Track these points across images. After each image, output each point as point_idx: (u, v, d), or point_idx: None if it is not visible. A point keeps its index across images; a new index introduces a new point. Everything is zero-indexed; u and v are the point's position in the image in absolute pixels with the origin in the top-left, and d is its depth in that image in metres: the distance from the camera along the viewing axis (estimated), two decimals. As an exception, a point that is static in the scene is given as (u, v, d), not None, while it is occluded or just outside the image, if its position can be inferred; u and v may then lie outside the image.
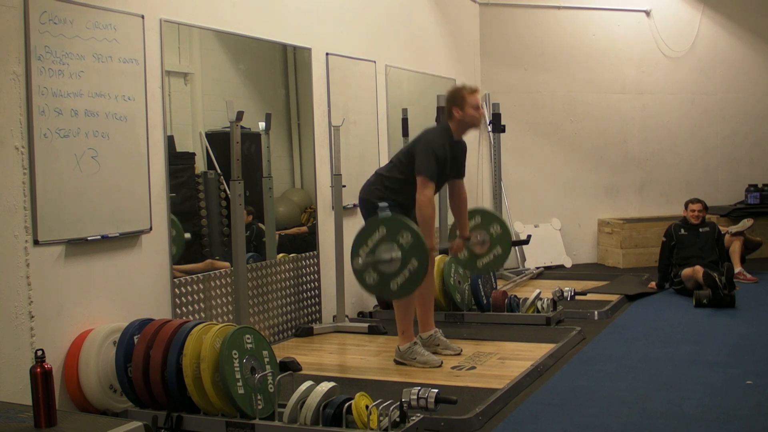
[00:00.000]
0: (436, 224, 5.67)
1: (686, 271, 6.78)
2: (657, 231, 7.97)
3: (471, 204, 5.19)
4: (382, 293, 4.44)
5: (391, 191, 4.69)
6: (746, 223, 7.65)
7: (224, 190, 5.21)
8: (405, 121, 6.90)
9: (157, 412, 3.55)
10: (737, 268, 7.31)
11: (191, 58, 5.28)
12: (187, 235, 4.90)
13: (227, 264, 4.99)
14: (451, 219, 5.31)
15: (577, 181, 9.11)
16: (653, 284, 7.24)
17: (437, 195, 4.85)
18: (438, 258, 5.40)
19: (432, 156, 4.57)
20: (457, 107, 4.72)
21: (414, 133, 7.05)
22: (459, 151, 4.86)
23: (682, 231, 7.13)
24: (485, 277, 5.96)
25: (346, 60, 6.20)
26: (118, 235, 4.14)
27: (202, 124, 5.41)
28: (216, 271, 4.86)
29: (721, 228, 7.55)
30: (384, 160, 6.62)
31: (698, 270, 6.59)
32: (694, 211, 7.18)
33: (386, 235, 4.27)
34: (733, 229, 7.60)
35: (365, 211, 4.80)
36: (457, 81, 8.16)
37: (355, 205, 5.55)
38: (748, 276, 7.41)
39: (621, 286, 7.28)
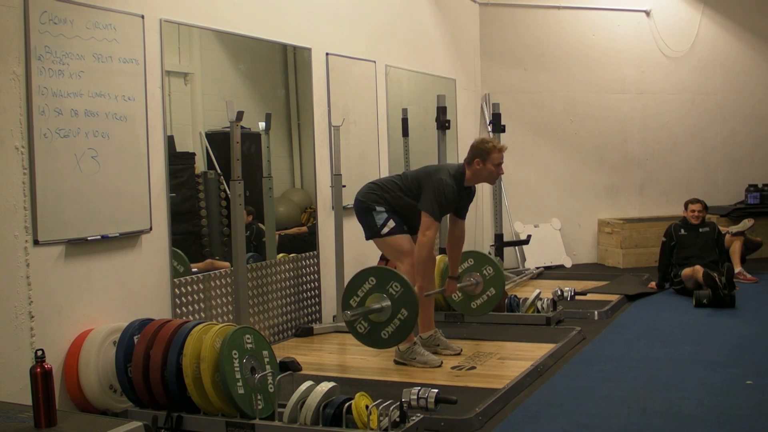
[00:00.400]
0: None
1: (686, 271, 6.78)
2: (657, 231, 7.97)
3: (471, 210, 5.19)
4: (373, 344, 4.50)
5: (389, 202, 4.73)
6: (747, 223, 7.65)
7: (224, 190, 5.21)
8: (405, 121, 6.90)
9: (157, 412, 3.55)
10: (737, 268, 7.31)
11: (191, 58, 5.28)
12: (195, 269, 4.91)
13: (227, 264, 4.99)
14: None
15: (577, 181, 9.12)
16: (653, 284, 7.24)
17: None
18: (438, 258, 5.40)
19: (441, 198, 4.62)
20: (479, 159, 4.72)
21: (414, 133, 7.08)
22: (466, 195, 4.89)
23: (682, 231, 7.13)
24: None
25: (346, 60, 6.20)
26: (118, 235, 4.14)
27: (202, 124, 5.41)
28: (216, 271, 4.86)
29: (721, 228, 7.55)
30: (384, 160, 6.63)
31: (698, 270, 6.59)
32: (694, 211, 7.18)
33: (376, 285, 4.35)
34: (734, 229, 7.60)
35: (359, 213, 4.81)
36: (456, 81, 8.17)
37: (355, 206, 5.56)
38: (748, 276, 7.41)
39: (621, 286, 7.28)
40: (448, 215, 4.98)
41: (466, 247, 5.17)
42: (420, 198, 4.67)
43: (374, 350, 5.10)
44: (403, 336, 4.41)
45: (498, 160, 4.73)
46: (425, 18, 7.71)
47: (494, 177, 4.81)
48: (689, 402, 3.98)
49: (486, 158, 4.71)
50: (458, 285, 5.20)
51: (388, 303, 4.33)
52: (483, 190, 8.53)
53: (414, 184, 4.74)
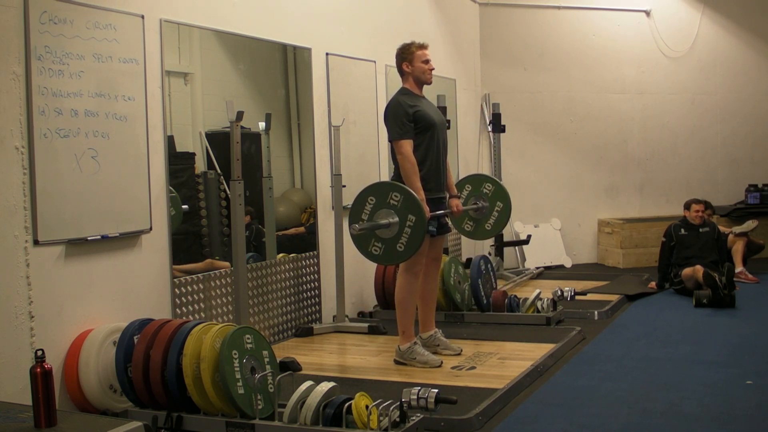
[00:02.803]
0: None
1: (686, 271, 6.78)
2: (657, 231, 7.97)
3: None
4: (392, 260, 4.44)
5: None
6: (751, 224, 7.65)
7: (224, 190, 5.21)
8: (405, 121, 6.89)
9: (157, 412, 3.55)
10: (739, 268, 7.31)
11: (191, 58, 5.28)
12: (185, 207, 4.87)
13: (227, 264, 4.99)
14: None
15: (577, 181, 9.12)
16: (653, 284, 7.24)
17: (439, 146, 4.75)
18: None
19: (398, 118, 4.56)
20: (406, 62, 4.73)
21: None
22: (430, 104, 4.83)
23: (682, 231, 7.12)
24: (485, 277, 5.96)
25: (346, 60, 6.20)
26: (118, 235, 4.14)
27: (202, 124, 5.41)
28: (216, 271, 4.86)
29: (724, 228, 7.56)
30: (384, 160, 6.62)
31: (698, 269, 6.59)
32: (698, 211, 7.18)
33: (377, 202, 4.33)
34: (738, 229, 7.60)
35: None
36: (456, 81, 8.18)
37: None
38: (750, 276, 7.41)
39: (621, 286, 7.28)
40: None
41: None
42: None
43: (374, 350, 5.11)
44: (417, 242, 4.31)
45: (423, 57, 4.71)
46: (425, 18, 7.71)
47: (426, 73, 4.73)
48: (689, 402, 3.98)
49: (411, 58, 4.71)
50: (464, 207, 5.08)
51: (395, 216, 4.29)
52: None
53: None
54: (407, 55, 4.74)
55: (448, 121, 6.54)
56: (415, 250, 4.37)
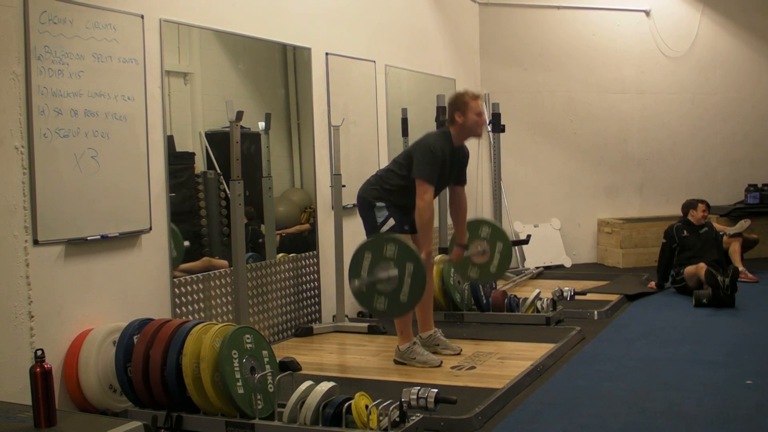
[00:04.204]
0: (436, 224, 5.65)
1: (689, 269, 6.77)
2: (657, 231, 7.96)
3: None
4: (397, 312, 4.41)
5: (390, 193, 4.70)
6: (743, 224, 7.65)
7: (224, 190, 5.21)
8: (405, 121, 6.90)
9: (156, 412, 3.55)
10: (740, 268, 7.31)
11: (191, 58, 5.28)
12: (186, 243, 4.89)
13: (225, 262, 5.00)
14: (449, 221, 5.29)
15: (577, 181, 9.12)
16: (653, 284, 7.23)
17: (437, 199, 4.83)
18: (437, 258, 5.40)
19: (431, 160, 4.55)
20: (459, 112, 4.67)
21: (414, 133, 7.07)
22: (461, 157, 4.84)
23: (685, 233, 7.10)
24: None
25: (346, 60, 6.20)
26: (118, 235, 4.14)
27: (201, 124, 5.41)
28: (216, 271, 4.86)
29: (718, 226, 7.55)
30: (384, 160, 6.62)
31: (702, 267, 6.57)
32: (704, 211, 7.18)
33: (374, 258, 4.27)
34: (731, 230, 7.60)
35: (362, 210, 4.80)
36: (456, 81, 8.17)
37: (354, 205, 5.55)
38: (749, 275, 7.41)
39: (621, 286, 7.27)
40: (448, 186, 4.91)
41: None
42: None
43: (374, 350, 5.11)
44: (420, 289, 4.26)
45: (477, 108, 4.67)
46: (425, 18, 7.71)
47: (479, 127, 4.72)
48: (689, 402, 3.98)
49: (465, 109, 4.66)
50: (467, 253, 5.09)
51: (394, 269, 4.24)
52: (483, 190, 8.54)
53: (407, 160, 4.68)
54: (461, 106, 4.67)
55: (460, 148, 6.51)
56: (418, 300, 4.34)
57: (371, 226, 4.74)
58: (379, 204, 4.70)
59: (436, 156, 4.57)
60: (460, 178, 4.90)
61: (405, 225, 4.70)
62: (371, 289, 4.28)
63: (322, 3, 6.00)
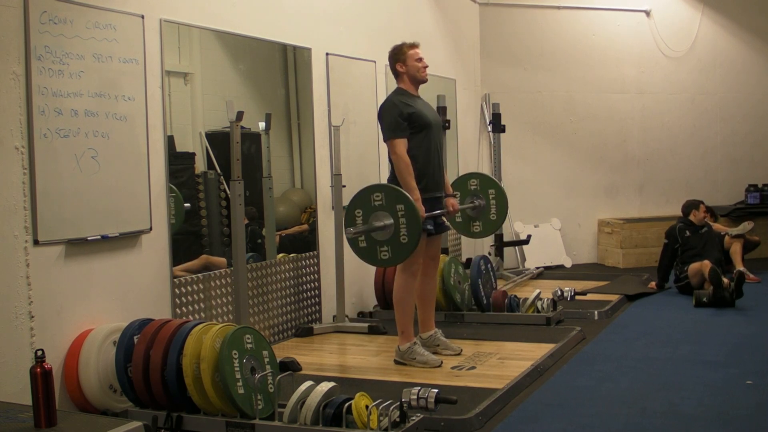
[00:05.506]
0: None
1: (694, 266, 6.75)
2: (657, 231, 7.97)
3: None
4: (402, 254, 4.37)
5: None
6: (746, 226, 7.65)
7: (224, 190, 5.21)
8: (405, 121, 6.89)
9: (157, 412, 3.55)
10: (740, 269, 7.31)
11: (191, 58, 5.28)
12: (187, 205, 4.87)
13: (223, 259, 5.00)
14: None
15: (577, 181, 9.12)
16: (653, 284, 7.24)
17: (435, 145, 4.73)
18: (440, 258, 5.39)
19: (392, 117, 4.55)
20: (400, 63, 4.73)
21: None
22: (426, 104, 4.82)
23: (688, 233, 7.10)
24: (485, 276, 5.96)
25: (346, 60, 6.20)
26: (118, 235, 4.14)
27: (202, 124, 5.41)
28: (216, 271, 4.86)
29: (718, 226, 7.55)
30: (384, 160, 6.62)
31: (706, 264, 6.55)
32: (706, 212, 7.21)
33: (365, 211, 4.33)
34: (734, 231, 7.60)
35: None
36: (457, 81, 8.18)
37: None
38: (751, 276, 7.40)
39: (621, 286, 7.28)
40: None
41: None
42: None
43: (374, 350, 5.11)
44: (417, 225, 4.27)
45: (415, 55, 4.71)
46: (425, 18, 7.71)
47: (422, 72, 4.74)
48: (689, 402, 3.98)
49: (404, 58, 4.71)
50: (460, 207, 5.06)
51: (388, 217, 4.29)
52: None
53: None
54: (400, 56, 4.74)
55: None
56: (418, 235, 4.34)
57: None
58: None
59: (392, 111, 4.57)
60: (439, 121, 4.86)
61: (428, 224, 4.63)
62: (372, 243, 4.33)
63: (322, 3, 6.00)
